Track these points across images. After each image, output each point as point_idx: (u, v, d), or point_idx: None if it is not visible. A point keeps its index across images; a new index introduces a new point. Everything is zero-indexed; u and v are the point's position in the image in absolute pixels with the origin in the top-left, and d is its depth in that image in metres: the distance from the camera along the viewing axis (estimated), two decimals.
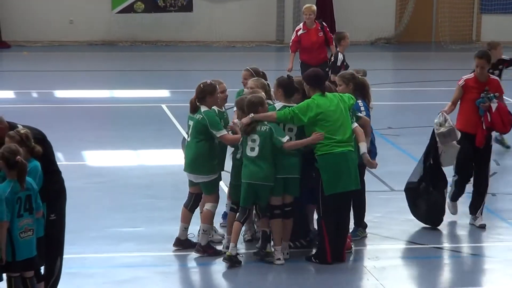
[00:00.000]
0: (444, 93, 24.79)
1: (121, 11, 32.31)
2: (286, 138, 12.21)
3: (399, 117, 20.58)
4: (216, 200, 12.78)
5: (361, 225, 13.50)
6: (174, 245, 12.80)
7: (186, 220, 12.80)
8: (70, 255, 11.77)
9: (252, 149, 12.30)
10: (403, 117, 20.83)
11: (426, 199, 13.70)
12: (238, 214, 12.65)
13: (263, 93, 12.65)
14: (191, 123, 12.61)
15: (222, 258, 12.39)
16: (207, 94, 12.53)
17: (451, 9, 33.80)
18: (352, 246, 12.90)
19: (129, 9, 32.36)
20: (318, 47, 19.39)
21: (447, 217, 13.90)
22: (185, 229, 12.80)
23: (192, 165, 12.63)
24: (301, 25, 19.87)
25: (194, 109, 12.60)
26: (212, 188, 12.71)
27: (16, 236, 9.94)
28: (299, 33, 19.55)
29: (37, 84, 24.69)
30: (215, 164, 12.68)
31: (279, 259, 12.46)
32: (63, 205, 10.83)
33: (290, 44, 20.00)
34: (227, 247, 12.42)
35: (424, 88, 25.75)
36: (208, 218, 12.60)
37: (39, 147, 10.30)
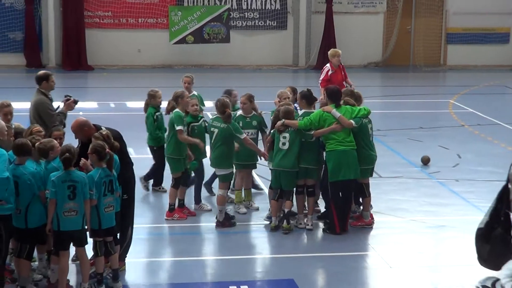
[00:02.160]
0: (418, 104, 24.84)
1: (176, 42, 32.27)
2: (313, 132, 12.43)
3: (385, 122, 20.59)
4: (228, 187, 12.92)
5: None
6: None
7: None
8: (139, 224, 11.85)
9: (284, 144, 12.43)
10: (389, 122, 20.84)
11: (496, 242, 10.52)
12: (271, 194, 12.78)
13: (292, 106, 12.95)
14: (215, 130, 12.58)
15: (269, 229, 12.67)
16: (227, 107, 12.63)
17: (424, 40, 33.66)
18: (373, 222, 12.99)
19: (183, 41, 32.32)
20: (341, 83, 17.82)
21: None
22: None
23: (215, 162, 12.70)
24: (328, 65, 18.21)
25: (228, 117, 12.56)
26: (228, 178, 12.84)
27: (102, 211, 10.03)
28: (329, 73, 18.00)
29: (114, 97, 24.80)
30: (231, 162, 12.81)
31: (308, 225, 12.73)
32: (133, 188, 10.93)
33: (320, 81, 18.11)
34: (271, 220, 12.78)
35: (404, 100, 25.68)
36: (221, 201, 12.68)
37: (117, 143, 10.40)
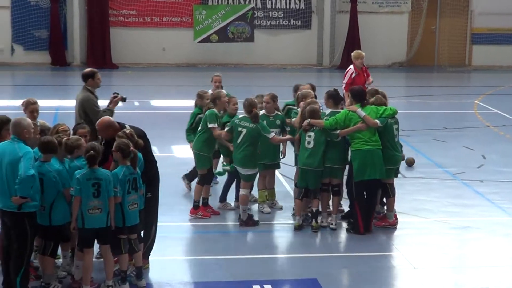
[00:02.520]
0: (443, 104, 24.74)
1: (201, 41, 32.32)
2: (338, 131, 12.42)
3: (410, 122, 20.48)
4: (251, 187, 12.90)
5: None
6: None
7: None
8: (163, 223, 11.86)
9: (309, 142, 12.44)
10: (413, 122, 20.74)
11: None
12: (296, 193, 12.77)
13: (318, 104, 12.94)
14: (242, 130, 12.52)
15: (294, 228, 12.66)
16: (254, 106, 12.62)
17: (449, 41, 33.57)
18: (397, 222, 12.95)
19: (207, 40, 32.36)
20: (363, 85, 16.96)
21: None
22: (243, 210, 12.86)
23: (242, 162, 12.62)
24: (352, 67, 17.52)
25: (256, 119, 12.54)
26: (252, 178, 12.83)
27: (126, 208, 10.05)
28: (353, 75, 17.33)
29: (138, 96, 24.79)
30: (256, 162, 12.76)
31: (331, 224, 12.73)
32: (157, 186, 10.93)
33: (344, 85, 17.35)
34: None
35: (428, 100, 25.59)
36: (244, 200, 12.67)
37: (141, 141, 10.42)
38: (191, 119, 14.01)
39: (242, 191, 12.73)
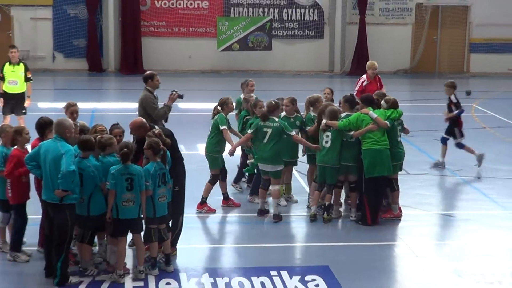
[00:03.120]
0: (443, 108, 24.58)
1: (223, 50, 32.32)
2: (352, 132, 12.41)
3: (413, 123, 20.34)
4: (281, 182, 12.82)
5: None
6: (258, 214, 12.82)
7: (264, 197, 12.86)
8: (189, 214, 11.91)
9: (326, 142, 12.44)
10: (416, 123, 20.64)
11: None
12: (316, 186, 12.72)
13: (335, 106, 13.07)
14: (268, 130, 12.43)
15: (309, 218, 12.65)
16: (275, 108, 12.58)
17: (449, 49, 33.44)
18: (401, 215, 12.92)
19: (229, 48, 32.36)
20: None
21: None
22: (264, 203, 12.87)
23: (272, 159, 12.49)
24: (364, 76, 16.87)
25: (265, 118, 12.48)
26: (280, 174, 12.73)
27: (156, 201, 10.08)
28: (364, 84, 16.72)
29: (166, 99, 24.85)
30: (282, 158, 12.69)
31: (352, 216, 12.77)
32: (184, 180, 10.94)
33: (355, 92, 16.44)
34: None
35: (430, 104, 25.47)
36: (277, 195, 12.56)
37: (168, 140, 10.46)
38: (240, 122, 13.97)
39: (274, 186, 12.53)
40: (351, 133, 12.42)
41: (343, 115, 12.74)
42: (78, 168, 9.70)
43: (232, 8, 32.70)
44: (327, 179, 12.54)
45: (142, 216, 10.06)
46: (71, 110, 11.85)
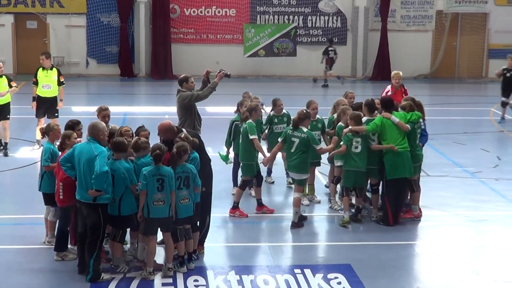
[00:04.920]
0: (462, 112, 24.49)
1: (250, 56, 32.39)
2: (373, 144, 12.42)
3: (433, 127, 20.25)
4: (303, 190, 12.67)
5: None
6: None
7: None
8: (216, 214, 11.91)
9: (356, 147, 12.35)
10: (436, 127, 20.55)
11: None
12: (344, 192, 12.66)
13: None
14: (295, 140, 12.18)
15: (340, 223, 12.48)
16: (306, 118, 12.42)
17: (468, 55, 33.30)
18: (421, 215, 12.86)
19: (255, 54, 32.39)
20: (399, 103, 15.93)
21: None
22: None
23: (297, 168, 12.28)
24: (389, 87, 16.36)
25: (296, 126, 12.26)
26: (304, 182, 12.61)
27: (177, 202, 10.06)
28: (388, 94, 16.04)
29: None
30: (308, 168, 12.55)
31: (373, 217, 12.68)
32: (211, 182, 10.93)
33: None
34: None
35: (449, 108, 25.35)
36: (298, 203, 12.28)
37: (196, 139, 10.48)
38: (266, 124, 14.11)
39: (295, 194, 12.28)
40: (373, 143, 12.38)
41: (364, 119, 12.68)
42: (110, 169, 9.74)
43: (259, 16, 32.72)
44: (361, 182, 12.50)
45: (172, 215, 10.04)
46: (103, 114, 11.92)
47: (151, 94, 29.30)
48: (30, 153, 17.08)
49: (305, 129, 12.22)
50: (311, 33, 33.02)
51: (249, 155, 12.83)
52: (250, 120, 12.83)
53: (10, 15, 31.48)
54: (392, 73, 16.47)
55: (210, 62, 32.25)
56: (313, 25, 32.96)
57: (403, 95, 16.10)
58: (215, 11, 32.58)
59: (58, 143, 10.73)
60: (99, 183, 9.53)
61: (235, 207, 12.90)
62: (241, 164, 13.08)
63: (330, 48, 30.41)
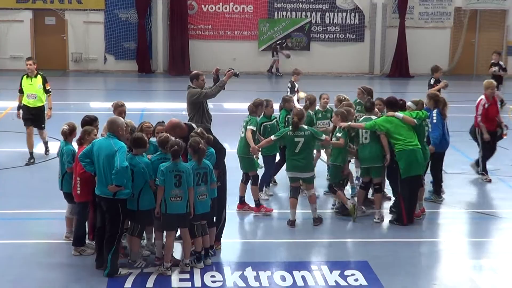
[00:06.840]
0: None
1: (264, 49, 32.61)
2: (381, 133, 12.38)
3: (451, 124, 20.15)
4: (313, 186, 12.54)
5: (436, 192, 13.54)
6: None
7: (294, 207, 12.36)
8: (232, 210, 11.94)
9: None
10: (454, 124, 20.42)
11: None
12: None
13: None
14: (300, 139, 12.00)
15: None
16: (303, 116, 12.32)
17: (487, 52, 33.11)
18: (425, 214, 12.84)
19: (269, 48, 32.61)
20: (495, 117, 15.08)
21: None
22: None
23: (305, 167, 12.15)
24: (483, 97, 14.91)
25: (296, 127, 12.04)
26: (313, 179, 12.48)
27: (196, 198, 10.09)
28: (486, 105, 14.84)
29: (212, 99, 25.01)
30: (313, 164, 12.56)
31: (374, 218, 12.57)
32: (225, 176, 10.93)
33: (480, 118, 14.88)
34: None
35: (468, 105, 25.22)
36: (314, 199, 12.30)
37: (211, 136, 10.51)
38: (282, 121, 13.83)
39: (311, 192, 12.23)
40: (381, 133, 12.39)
41: (361, 119, 12.76)
42: (130, 164, 9.79)
43: (276, 12, 32.77)
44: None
45: (189, 211, 10.06)
46: (120, 110, 11.98)
47: (168, 90, 29.41)
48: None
49: (306, 127, 12.17)
50: (328, 30, 33.01)
51: (248, 149, 12.66)
52: (254, 115, 12.91)
53: (29, 11, 31.68)
54: (486, 83, 15.23)
55: (227, 59, 32.41)
56: (331, 22, 32.95)
57: (496, 106, 15.24)
58: (232, 8, 32.66)
59: (76, 139, 10.79)
60: (119, 178, 9.60)
61: (258, 204, 12.87)
62: (242, 158, 12.96)
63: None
